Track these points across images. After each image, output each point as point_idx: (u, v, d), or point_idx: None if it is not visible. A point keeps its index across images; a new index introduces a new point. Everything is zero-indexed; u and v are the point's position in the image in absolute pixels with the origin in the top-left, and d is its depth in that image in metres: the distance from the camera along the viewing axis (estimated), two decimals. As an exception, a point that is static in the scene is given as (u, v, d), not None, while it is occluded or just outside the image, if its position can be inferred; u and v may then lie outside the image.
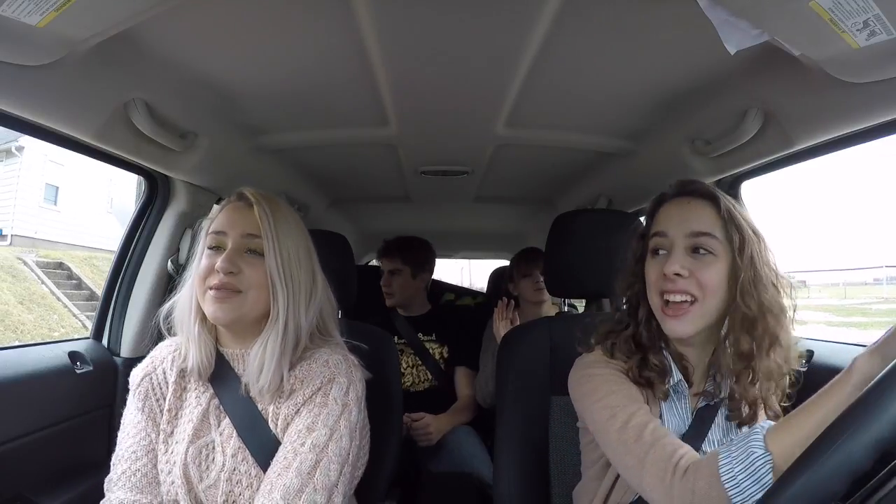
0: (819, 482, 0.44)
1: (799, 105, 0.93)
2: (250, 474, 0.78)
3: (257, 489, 0.76)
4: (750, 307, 0.73)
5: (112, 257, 1.41)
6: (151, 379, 0.86)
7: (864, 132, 0.93)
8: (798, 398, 0.96)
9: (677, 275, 0.75)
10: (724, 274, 0.74)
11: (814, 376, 1.06)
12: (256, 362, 0.80)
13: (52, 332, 7.49)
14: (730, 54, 0.70)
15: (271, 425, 0.81)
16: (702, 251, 0.75)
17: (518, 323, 1.61)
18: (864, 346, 0.59)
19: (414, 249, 1.87)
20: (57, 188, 11.09)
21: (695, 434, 0.78)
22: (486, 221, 2.72)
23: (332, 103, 1.18)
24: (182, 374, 0.85)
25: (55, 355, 1.15)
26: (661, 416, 0.78)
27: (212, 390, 0.84)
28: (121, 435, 0.84)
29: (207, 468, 0.80)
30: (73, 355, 1.18)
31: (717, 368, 0.79)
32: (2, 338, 6.60)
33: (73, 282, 9.27)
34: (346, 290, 1.08)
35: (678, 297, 0.75)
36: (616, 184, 1.71)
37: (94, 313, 1.40)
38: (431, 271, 1.97)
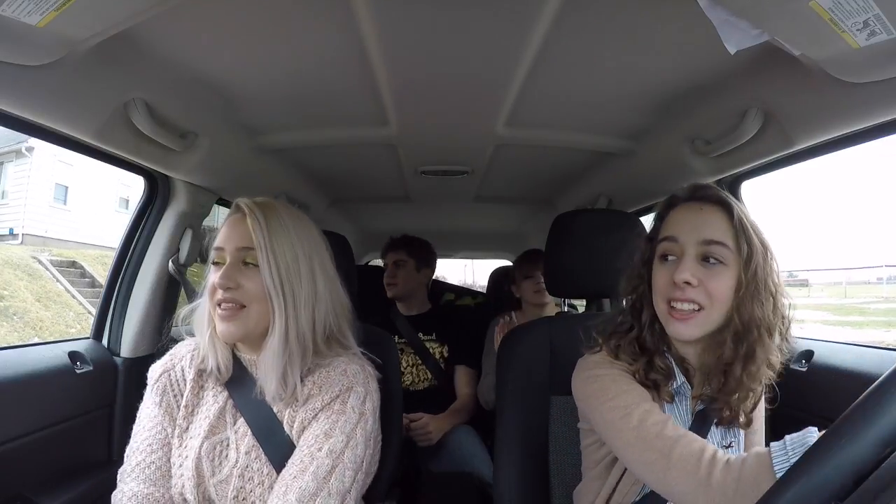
0: (820, 483, 0.43)
1: (799, 105, 0.93)
2: (262, 472, 0.79)
3: (268, 487, 0.78)
4: (742, 320, 0.73)
5: (112, 257, 1.41)
6: (170, 375, 0.86)
7: (864, 132, 0.93)
8: (798, 397, 0.97)
9: (687, 283, 0.73)
10: (733, 283, 0.74)
11: (813, 376, 1.07)
12: (265, 370, 0.81)
13: (70, 328, 7.64)
14: (730, 54, 0.70)
15: (286, 428, 0.81)
16: (712, 260, 0.74)
17: None
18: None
19: (418, 245, 1.91)
20: (66, 188, 11.21)
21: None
22: (486, 221, 2.72)
23: (332, 103, 1.18)
24: (200, 373, 0.86)
25: (55, 355, 1.15)
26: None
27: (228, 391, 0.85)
28: (136, 428, 0.85)
29: (220, 463, 0.80)
30: (73, 355, 1.18)
31: (716, 373, 0.79)
32: (23, 334, 6.77)
33: (87, 280, 9.37)
34: (346, 290, 1.08)
35: (685, 306, 0.74)
36: (616, 184, 1.71)
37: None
38: (433, 270, 2.00)
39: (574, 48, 0.91)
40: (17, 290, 7.58)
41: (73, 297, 8.53)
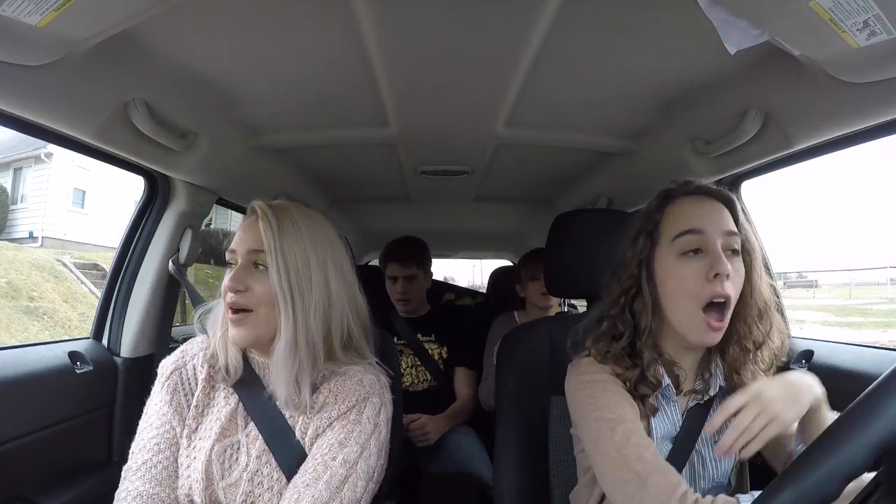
0: (815, 485, 0.43)
1: (799, 105, 0.93)
2: (272, 477, 0.79)
3: (277, 493, 0.77)
4: (759, 301, 0.75)
5: (112, 257, 1.41)
6: (181, 374, 0.85)
7: (864, 132, 0.93)
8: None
9: (727, 276, 0.70)
10: (744, 272, 0.74)
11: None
12: (275, 375, 0.80)
13: (97, 327, 7.84)
14: (730, 54, 0.70)
15: (298, 434, 0.81)
16: (731, 251, 0.73)
17: None
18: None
19: (422, 251, 1.86)
20: (84, 192, 11.40)
21: (686, 435, 0.78)
22: (486, 221, 2.72)
23: (333, 103, 1.18)
24: (212, 372, 0.85)
25: (55, 355, 1.15)
26: (650, 424, 0.76)
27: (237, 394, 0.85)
28: (143, 424, 0.83)
29: (230, 467, 0.80)
30: (73, 355, 1.18)
31: (707, 367, 0.79)
32: (53, 333, 6.88)
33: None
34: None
35: (721, 300, 0.71)
36: (616, 184, 1.71)
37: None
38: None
39: (574, 48, 0.91)
40: (46, 291, 7.73)
41: (98, 297, 8.65)
